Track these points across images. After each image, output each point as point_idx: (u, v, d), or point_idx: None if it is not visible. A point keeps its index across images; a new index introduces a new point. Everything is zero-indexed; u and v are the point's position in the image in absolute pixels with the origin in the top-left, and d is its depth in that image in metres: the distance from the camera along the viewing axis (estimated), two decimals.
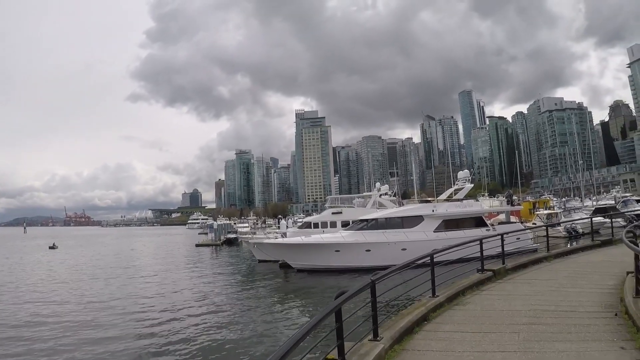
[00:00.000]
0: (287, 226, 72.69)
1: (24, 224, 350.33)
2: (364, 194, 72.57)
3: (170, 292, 37.58)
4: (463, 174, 54.02)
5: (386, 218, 45.15)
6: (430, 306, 11.88)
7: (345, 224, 53.63)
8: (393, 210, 49.88)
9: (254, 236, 62.09)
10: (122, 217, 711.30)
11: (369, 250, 42.16)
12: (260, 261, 52.02)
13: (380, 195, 63.87)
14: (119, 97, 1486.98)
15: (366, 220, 45.88)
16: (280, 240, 49.17)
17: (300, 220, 78.31)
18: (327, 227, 56.66)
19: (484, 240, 16.85)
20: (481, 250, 16.78)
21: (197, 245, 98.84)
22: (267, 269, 48.60)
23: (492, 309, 12.14)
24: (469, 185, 50.79)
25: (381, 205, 59.81)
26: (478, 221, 45.63)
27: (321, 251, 42.80)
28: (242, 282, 42.92)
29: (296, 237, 49.34)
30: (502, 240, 18.36)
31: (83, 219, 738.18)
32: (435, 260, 13.27)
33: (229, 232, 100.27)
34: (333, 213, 59.79)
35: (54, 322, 27.51)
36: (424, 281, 13.42)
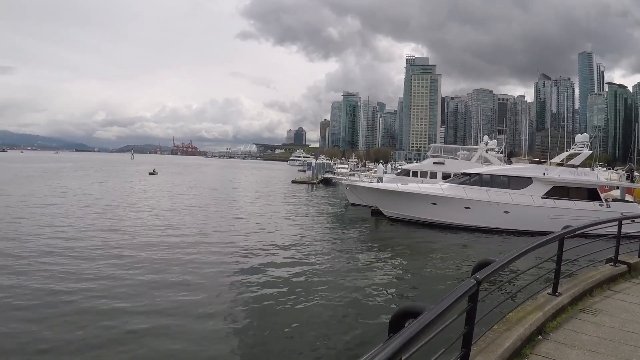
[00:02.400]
0: (384, 171, 70.32)
1: (132, 151, 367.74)
2: (470, 146, 69.18)
3: (256, 228, 36.32)
4: (582, 137, 48.63)
5: (491, 175, 41.53)
6: (549, 311, 8.07)
7: (446, 176, 50.55)
8: (500, 168, 46.21)
9: (348, 178, 60.34)
10: (227, 149, 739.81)
11: (468, 208, 39.16)
12: (352, 204, 50.57)
13: (487, 150, 59.97)
14: (228, 35, 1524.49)
15: (469, 174, 42.48)
16: (374, 184, 46.44)
17: (401, 167, 75.62)
18: (426, 177, 53.91)
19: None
20: (619, 235, 12.64)
21: (293, 182, 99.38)
22: (358, 213, 47.20)
23: (635, 320, 8.48)
24: (587, 152, 45.46)
25: (487, 161, 56.20)
26: (591, 193, 40.84)
27: (417, 202, 40.16)
28: (329, 224, 41.23)
29: (392, 183, 46.65)
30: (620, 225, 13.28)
31: (190, 149, 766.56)
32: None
33: (326, 172, 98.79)
34: (434, 163, 56.65)
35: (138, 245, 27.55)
36: (535, 264, 10.15)
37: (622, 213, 39.46)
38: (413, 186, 42.02)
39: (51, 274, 20.33)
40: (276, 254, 26.54)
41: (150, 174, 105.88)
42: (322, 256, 26.50)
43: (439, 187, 41.38)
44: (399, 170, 65.40)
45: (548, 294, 9.11)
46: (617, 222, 12.20)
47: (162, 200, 52.96)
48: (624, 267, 12.16)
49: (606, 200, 41.52)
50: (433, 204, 39.70)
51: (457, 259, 28.79)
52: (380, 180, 54.98)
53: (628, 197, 49.37)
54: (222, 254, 25.81)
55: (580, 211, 37.84)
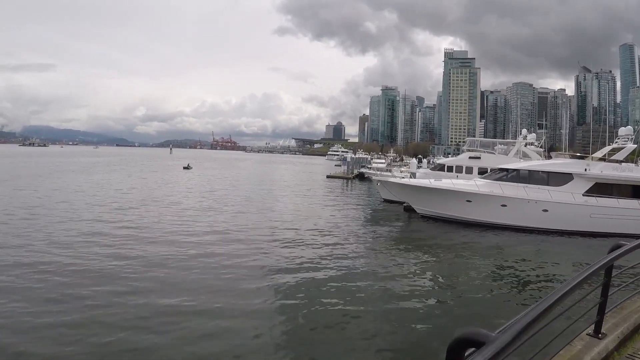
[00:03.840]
0: (418, 166, 68.41)
1: (170, 145, 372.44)
2: (507, 140, 67.11)
3: (286, 225, 35.29)
4: (625, 130, 46.20)
5: (529, 170, 39.52)
6: None
7: (482, 172, 48.58)
8: (538, 163, 44.10)
9: (380, 173, 58.99)
10: (266, 144, 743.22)
11: (504, 206, 37.31)
12: (385, 200, 49.85)
13: (526, 144, 57.56)
14: (266, 31, 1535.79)
15: (506, 170, 40.56)
16: (406, 180, 44.63)
17: (436, 161, 73.77)
18: (462, 172, 51.94)
19: None
20: None
21: (328, 177, 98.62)
22: (390, 210, 46.31)
23: None
24: (632, 146, 43.18)
25: (525, 156, 53.79)
26: (637, 190, 38.24)
27: (450, 198, 38.48)
28: (360, 221, 39.89)
29: (425, 179, 44.85)
30: None
31: (229, 144, 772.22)
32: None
33: (362, 166, 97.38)
34: (470, 157, 54.50)
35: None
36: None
37: None
38: (446, 182, 40.27)
39: (94, 266, 21.20)
40: (304, 255, 25.45)
41: (184, 168, 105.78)
42: (350, 259, 25.10)
43: (474, 184, 39.66)
44: (433, 165, 63.70)
45: (588, 335, 6.34)
46: None
47: (188, 196, 52.30)
48: None
49: None
50: (467, 201, 38.06)
51: (495, 263, 27.00)
52: (413, 175, 53.32)
53: None
54: (251, 254, 25.11)
55: (624, 210, 36.55)
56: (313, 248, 26.99)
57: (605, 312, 6.41)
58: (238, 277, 20.29)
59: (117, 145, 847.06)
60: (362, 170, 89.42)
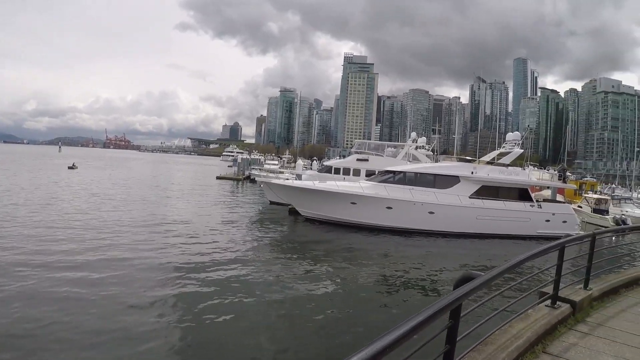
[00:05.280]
0: (303, 167, 66.88)
1: (59, 143, 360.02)
2: (396, 143, 66.83)
3: (163, 226, 33.27)
4: (513, 135, 47.22)
5: (416, 173, 38.92)
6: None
7: (370, 174, 47.43)
8: (425, 165, 43.51)
9: (264, 175, 57.36)
10: (161, 143, 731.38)
11: (390, 208, 36.46)
12: (271, 202, 47.76)
13: (417, 147, 57.56)
14: (167, 25, 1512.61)
15: (393, 172, 39.75)
16: (289, 182, 42.93)
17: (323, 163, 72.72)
18: (349, 174, 50.95)
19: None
20: (560, 264, 8.25)
21: (217, 178, 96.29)
22: (275, 212, 44.61)
23: None
24: (519, 150, 43.77)
25: (415, 159, 53.29)
26: (522, 193, 39.72)
27: (334, 201, 37.20)
28: (244, 224, 37.73)
29: (309, 181, 43.38)
30: (593, 242, 9.67)
31: (123, 143, 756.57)
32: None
33: (252, 168, 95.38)
34: (358, 160, 53.63)
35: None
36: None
37: (553, 214, 39.33)
38: (330, 184, 38.92)
39: None
40: (182, 262, 23.20)
41: (69, 168, 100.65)
42: (229, 266, 23.11)
43: (359, 186, 38.54)
44: (320, 167, 62.49)
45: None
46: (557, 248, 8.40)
47: (68, 198, 47.90)
48: (566, 307, 8.39)
49: (537, 201, 40.61)
50: (352, 203, 36.92)
51: (382, 266, 26.21)
52: (299, 177, 51.51)
53: (559, 197, 49.16)
54: (125, 264, 22.15)
55: (510, 212, 37.64)
56: (192, 255, 24.70)
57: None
58: (111, 289, 18.14)
59: (5, 142, 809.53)
60: (251, 172, 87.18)
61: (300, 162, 69.43)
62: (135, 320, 15.07)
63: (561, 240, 7.84)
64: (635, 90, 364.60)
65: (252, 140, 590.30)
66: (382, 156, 54.92)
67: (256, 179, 51.97)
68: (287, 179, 47.02)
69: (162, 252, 24.77)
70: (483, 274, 5.01)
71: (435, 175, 38.33)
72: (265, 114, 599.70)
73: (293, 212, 41.63)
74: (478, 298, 5.99)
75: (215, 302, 17.20)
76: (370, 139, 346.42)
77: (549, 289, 8.46)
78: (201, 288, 18.88)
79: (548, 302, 8.32)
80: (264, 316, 16.33)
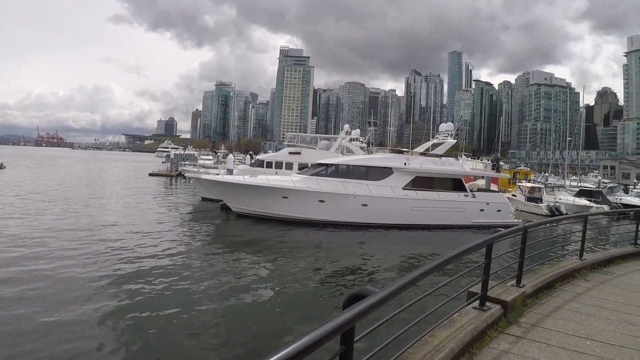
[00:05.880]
0: (234, 162, 65.36)
1: None
2: (329, 135, 66.31)
3: (84, 229, 30.98)
4: (446, 126, 47.53)
5: (348, 165, 38.53)
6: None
7: (303, 167, 46.38)
8: (357, 158, 43.18)
9: (193, 170, 56.14)
10: (95, 140, 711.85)
11: (322, 201, 35.88)
12: (203, 199, 46.72)
13: (351, 139, 57.26)
14: (101, 18, 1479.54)
15: (325, 165, 39.17)
16: (219, 177, 42.08)
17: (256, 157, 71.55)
18: (282, 168, 50.02)
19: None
20: (488, 262, 7.48)
21: (150, 175, 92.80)
22: (207, 209, 43.29)
23: None
24: (452, 141, 43.92)
25: (348, 151, 52.83)
26: (456, 184, 39.76)
27: (265, 195, 36.35)
28: (175, 222, 36.34)
29: (239, 175, 42.46)
30: (525, 236, 8.96)
31: (55, 140, 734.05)
32: None
33: (185, 164, 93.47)
34: (290, 153, 52.93)
35: None
36: None
37: (487, 203, 39.35)
38: (261, 178, 38.12)
39: None
40: (111, 265, 21.90)
41: None
42: (160, 264, 22.38)
43: (290, 179, 37.84)
44: (253, 161, 61.43)
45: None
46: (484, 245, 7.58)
47: None
48: (496, 309, 7.59)
49: (471, 190, 40.84)
50: (284, 197, 36.15)
51: (315, 260, 26.08)
52: (230, 172, 50.30)
53: (493, 187, 49.04)
54: (54, 266, 21.16)
55: (444, 202, 37.66)
56: (119, 261, 22.96)
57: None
58: (32, 306, 16.38)
59: None
60: (182, 167, 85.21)
61: (231, 156, 67.29)
62: (56, 340, 13.68)
63: (488, 237, 6.99)
64: (567, 82, 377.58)
65: (188, 136, 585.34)
66: (315, 149, 54.49)
67: (185, 174, 50.67)
68: (217, 174, 46.03)
69: (88, 258, 22.94)
70: (378, 290, 4.17)
71: (367, 167, 38.00)
72: (200, 108, 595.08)
73: (225, 208, 40.53)
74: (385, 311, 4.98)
75: (147, 307, 16.46)
76: (306, 132, 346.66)
77: (479, 289, 7.60)
78: (131, 295, 17.75)
79: (476, 303, 7.52)
80: (198, 316, 15.80)
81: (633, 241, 15.02)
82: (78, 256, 23.10)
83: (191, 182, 44.24)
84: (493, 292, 7.91)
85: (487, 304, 7.56)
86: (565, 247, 20.99)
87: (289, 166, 50.00)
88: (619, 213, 29.10)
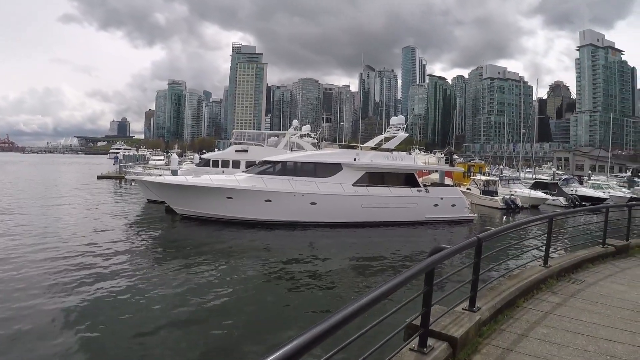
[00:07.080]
0: (178, 161, 63.25)
1: None
2: (278, 132, 65.02)
3: (25, 235, 29.52)
4: (397, 119, 46.57)
5: (296, 162, 37.31)
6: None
7: (250, 165, 44.79)
8: (306, 154, 42.07)
9: (136, 172, 54.24)
10: (47, 143, 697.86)
11: (269, 201, 34.58)
12: (149, 201, 45.39)
13: (301, 135, 56.07)
14: (50, 17, 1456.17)
15: (271, 162, 37.74)
16: (160, 178, 40.34)
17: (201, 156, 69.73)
18: (228, 166, 48.41)
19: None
20: (428, 290, 5.61)
21: (99, 178, 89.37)
22: (153, 211, 41.68)
23: None
24: (403, 134, 42.92)
25: (299, 148, 51.80)
26: (409, 179, 38.95)
27: (209, 196, 34.86)
28: (116, 226, 34.56)
29: (183, 176, 41.08)
30: (479, 248, 7.56)
31: (6, 145, 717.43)
32: None
33: (129, 165, 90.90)
34: (237, 151, 51.16)
35: None
36: None
37: (441, 197, 38.66)
38: (204, 178, 36.58)
39: None
40: (51, 275, 20.50)
41: None
42: (101, 275, 20.72)
43: (234, 179, 36.37)
44: (198, 161, 59.73)
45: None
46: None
47: None
48: (442, 347, 5.85)
49: (425, 185, 40.07)
50: (228, 197, 34.69)
51: (265, 263, 24.99)
52: (175, 173, 48.45)
53: (447, 181, 49.05)
54: None
55: (396, 198, 36.94)
56: (61, 270, 21.44)
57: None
58: None
59: None
60: (125, 169, 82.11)
61: (175, 156, 64.75)
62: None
63: (427, 262, 5.21)
64: (520, 76, 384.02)
65: (142, 136, 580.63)
66: (263, 146, 52.71)
67: (127, 177, 48.86)
68: (160, 175, 44.34)
69: (29, 268, 21.38)
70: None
71: (315, 163, 36.88)
72: (153, 108, 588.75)
73: (170, 211, 38.90)
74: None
75: (89, 316, 15.62)
76: (260, 129, 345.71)
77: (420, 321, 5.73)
78: (75, 304, 16.72)
79: (415, 342, 5.67)
80: (147, 322, 15.19)
81: (601, 241, 13.71)
82: (15, 268, 21.40)
83: (132, 184, 42.57)
84: (439, 324, 6.15)
85: (430, 342, 5.77)
86: (526, 253, 19.42)
87: (236, 164, 48.42)
88: (590, 210, 28.22)
